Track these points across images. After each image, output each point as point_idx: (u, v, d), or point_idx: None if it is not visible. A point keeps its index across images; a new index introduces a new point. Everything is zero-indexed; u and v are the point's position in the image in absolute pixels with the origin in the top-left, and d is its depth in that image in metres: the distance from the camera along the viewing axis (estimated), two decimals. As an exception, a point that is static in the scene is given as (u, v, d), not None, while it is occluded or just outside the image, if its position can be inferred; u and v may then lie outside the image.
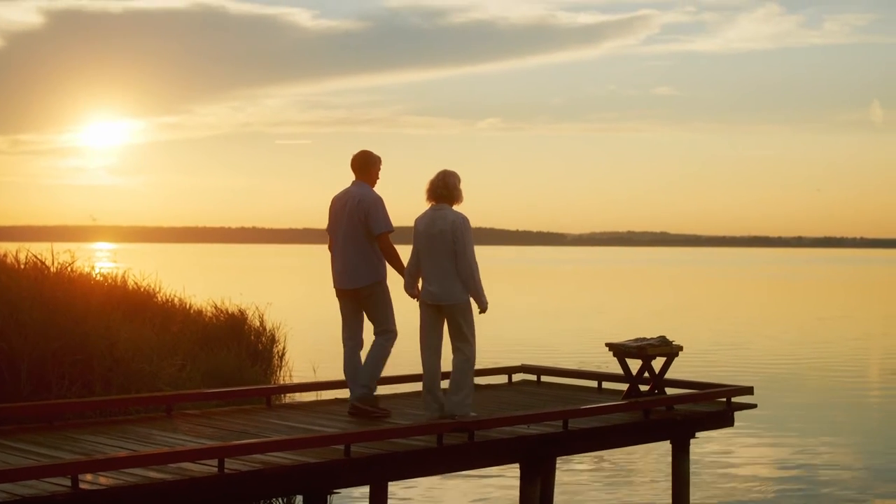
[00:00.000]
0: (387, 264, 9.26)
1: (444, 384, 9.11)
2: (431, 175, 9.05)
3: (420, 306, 9.08)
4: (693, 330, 32.52)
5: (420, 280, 9.09)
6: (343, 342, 9.35)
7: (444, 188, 8.97)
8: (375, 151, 9.46)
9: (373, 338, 9.38)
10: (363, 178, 9.35)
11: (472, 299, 8.95)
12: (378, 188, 9.45)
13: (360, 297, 9.26)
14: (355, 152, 9.42)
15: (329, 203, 9.45)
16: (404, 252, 9.16)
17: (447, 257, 8.83)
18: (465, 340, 8.93)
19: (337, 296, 9.38)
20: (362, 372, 9.25)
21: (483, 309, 8.95)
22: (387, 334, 9.27)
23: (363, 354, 9.38)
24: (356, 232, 9.15)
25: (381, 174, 9.48)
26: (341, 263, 9.25)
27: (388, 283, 9.31)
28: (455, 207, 9.01)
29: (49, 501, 6.10)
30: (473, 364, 9.02)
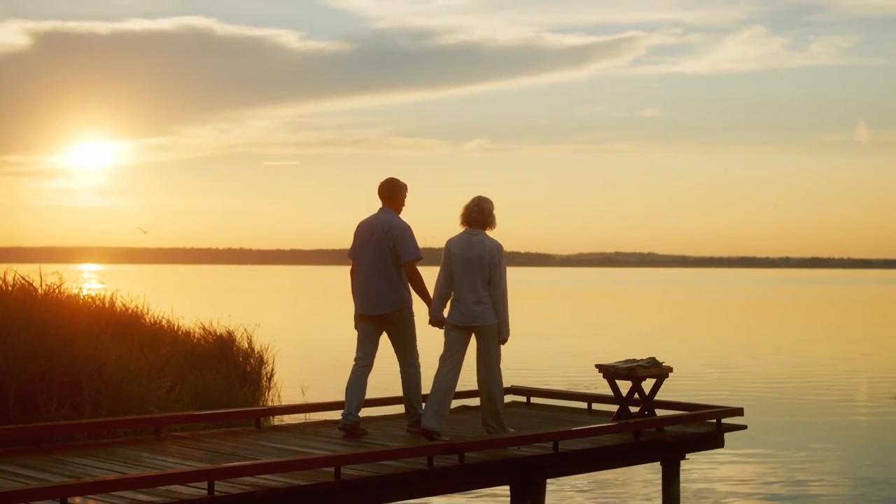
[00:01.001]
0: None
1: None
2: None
3: (446, 329, 9.14)
4: (682, 351, 32.52)
5: (448, 303, 9.19)
6: (355, 360, 9.42)
7: (480, 213, 9.12)
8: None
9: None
10: (390, 205, 9.45)
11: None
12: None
13: (386, 323, 9.34)
14: (382, 180, 9.51)
15: (354, 228, 9.54)
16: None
17: (482, 281, 8.98)
18: (495, 362, 9.20)
19: (356, 318, 9.44)
20: (414, 400, 9.51)
21: (504, 338, 9.11)
22: (413, 359, 9.43)
23: (369, 377, 9.46)
24: (384, 259, 9.22)
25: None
26: (366, 289, 9.31)
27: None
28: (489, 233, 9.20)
29: (37, 525, 6.08)
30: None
